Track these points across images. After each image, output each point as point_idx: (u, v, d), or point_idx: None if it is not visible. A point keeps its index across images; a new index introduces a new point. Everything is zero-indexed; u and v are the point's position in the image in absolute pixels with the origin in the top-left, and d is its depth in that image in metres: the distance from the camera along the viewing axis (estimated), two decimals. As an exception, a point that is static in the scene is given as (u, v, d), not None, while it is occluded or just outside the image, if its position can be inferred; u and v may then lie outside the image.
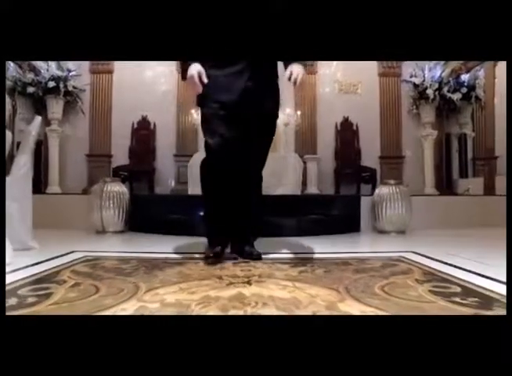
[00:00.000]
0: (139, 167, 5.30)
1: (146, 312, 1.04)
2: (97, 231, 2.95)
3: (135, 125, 5.48)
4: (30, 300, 1.15)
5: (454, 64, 5.31)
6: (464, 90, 5.19)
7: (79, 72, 5.21)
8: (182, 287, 1.31)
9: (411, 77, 5.37)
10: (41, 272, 1.55)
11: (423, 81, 5.25)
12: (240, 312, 1.04)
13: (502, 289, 1.26)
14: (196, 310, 1.06)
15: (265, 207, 2.11)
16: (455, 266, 1.68)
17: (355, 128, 5.51)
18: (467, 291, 1.27)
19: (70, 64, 5.14)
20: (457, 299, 1.17)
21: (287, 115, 5.19)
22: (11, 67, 5.02)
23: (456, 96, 5.17)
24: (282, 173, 4.23)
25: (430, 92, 5.17)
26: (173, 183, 5.40)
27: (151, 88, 5.54)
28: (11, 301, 1.13)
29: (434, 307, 1.10)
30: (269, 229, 2.78)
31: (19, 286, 1.32)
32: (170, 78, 5.59)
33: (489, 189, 4.79)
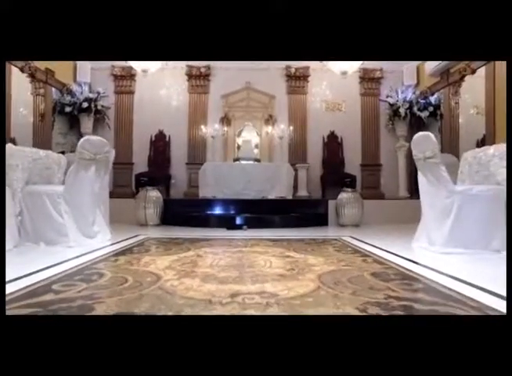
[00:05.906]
0: (157, 173, 6.80)
1: (200, 254, 2.53)
2: (141, 224, 4.48)
3: (153, 138, 6.99)
4: (143, 251, 2.65)
5: (422, 88, 6.79)
6: (431, 109, 6.66)
7: (106, 93, 6.75)
8: (212, 248, 2.82)
9: (387, 97, 6.87)
10: (132, 243, 3.06)
11: (397, 101, 6.75)
12: (240, 255, 2.53)
13: (377, 251, 2.74)
14: (221, 253, 2.55)
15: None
16: (362, 241, 3.17)
17: (339, 140, 6.99)
18: (354, 250, 2.75)
19: (99, 87, 6.69)
20: (346, 252, 2.66)
21: (282, 130, 6.71)
22: (53, 92, 6.54)
23: (424, 114, 6.65)
24: (276, 179, 5.74)
25: (402, 110, 6.67)
26: (186, 187, 6.91)
27: (166, 106, 7.06)
28: (135, 250, 2.64)
29: (327, 252, 2.60)
30: (264, 223, 4.32)
31: (130, 247, 2.84)
32: (182, 97, 7.10)
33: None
